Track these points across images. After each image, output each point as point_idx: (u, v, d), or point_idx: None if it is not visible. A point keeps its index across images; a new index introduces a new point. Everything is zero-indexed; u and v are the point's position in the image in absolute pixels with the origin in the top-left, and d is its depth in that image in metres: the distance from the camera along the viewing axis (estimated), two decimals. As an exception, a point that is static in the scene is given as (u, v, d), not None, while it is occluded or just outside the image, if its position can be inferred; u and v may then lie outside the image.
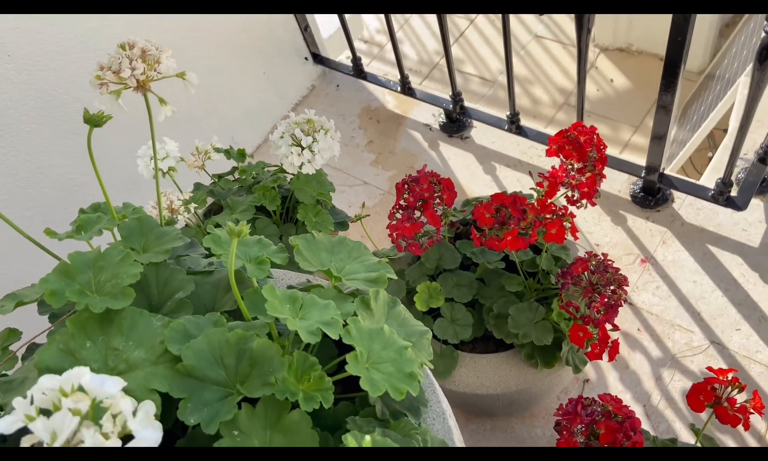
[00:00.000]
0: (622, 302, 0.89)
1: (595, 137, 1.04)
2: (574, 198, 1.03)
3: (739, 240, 1.44)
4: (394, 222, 1.04)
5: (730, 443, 1.21)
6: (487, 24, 3.14)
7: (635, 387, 1.32)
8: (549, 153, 1.05)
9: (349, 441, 0.36)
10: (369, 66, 1.90)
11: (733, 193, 1.42)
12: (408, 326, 0.56)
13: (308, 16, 1.91)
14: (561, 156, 1.04)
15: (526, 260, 1.04)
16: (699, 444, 0.84)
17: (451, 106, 1.74)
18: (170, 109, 0.56)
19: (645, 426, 1.26)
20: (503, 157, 1.73)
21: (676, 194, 1.55)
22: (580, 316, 0.88)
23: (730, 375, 0.78)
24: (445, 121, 1.81)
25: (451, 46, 1.59)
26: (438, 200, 1.04)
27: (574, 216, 0.96)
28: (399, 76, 1.78)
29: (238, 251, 0.54)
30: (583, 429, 0.72)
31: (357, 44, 3.01)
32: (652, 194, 1.54)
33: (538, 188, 1.02)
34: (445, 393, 1.09)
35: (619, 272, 0.89)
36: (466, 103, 1.74)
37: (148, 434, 0.39)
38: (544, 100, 2.86)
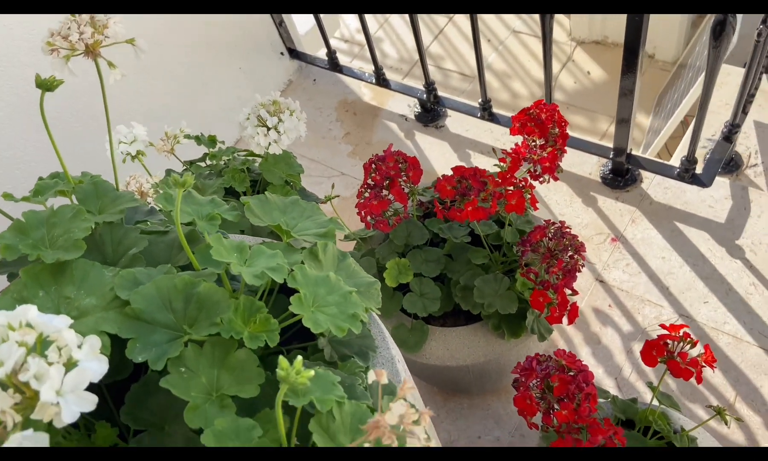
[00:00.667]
0: (580, 267, 0.92)
1: (556, 114, 1.07)
2: (537, 173, 1.06)
3: (706, 217, 1.48)
4: (362, 201, 1.06)
5: (699, 412, 1.24)
6: (466, 21, 3.17)
7: (607, 361, 1.35)
8: (512, 131, 1.07)
9: (282, 362, 0.38)
10: (350, 64, 1.93)
11: (699, 170, 1.46)
12: (357, 278, 0.58)
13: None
14: (524, 134, 1.07)
15: (491, 234, 1.07)
16: (656, 401, 0.86)
17: (425, 95, 1.76)
18: (119, 73, 0.58)
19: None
20: (477, 144, 1.76)
21: (644, 174, 1.58)
22: (539, 281, 0.91)
23: (681, 331, 0.80)
24: (420, 111, 1.84)
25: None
26: (404, 178, 1.06)
27: (534, 187, 0.98)
28: (374, 69, 1.81)
29: (191, 210, 0.56)
30: (538, 383, 0.74)
31: (337, 44, 3.03)
32: (621, 174, 1.57)
33: (501, 163, 1.05)
34: (418, 366, 1.11)
35: (577, 238, 0.92)
36: (440, 93, 1.77)
37: (93, 365, 0.41)
38: (522, 94, 2.90)
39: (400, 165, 1.05)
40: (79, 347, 0.41)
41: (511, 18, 3.28)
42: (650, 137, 2.63)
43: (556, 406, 0.72)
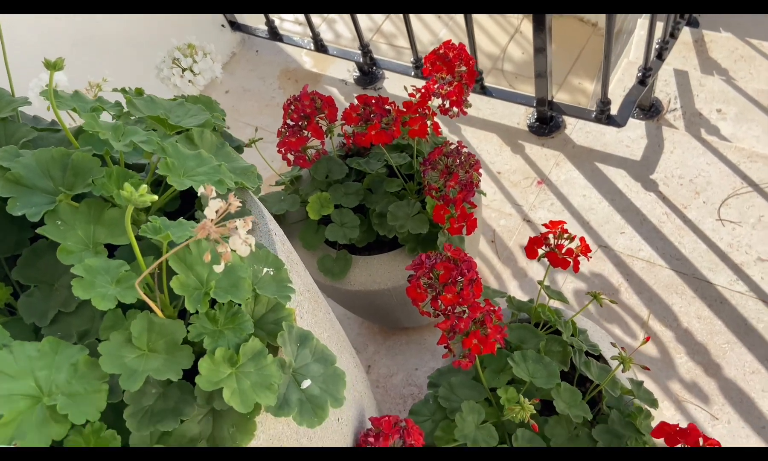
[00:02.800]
0: (477, 183, 1.00)
1: (463, 53, 1.14)
2: (446, 107, 1.13)
3: (623, 156, 1.57)
4: (282, 139, 1.13)
5: (616, 331, 1.33)
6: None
7: (533, 292, 1.43)
8: (425, 72, 1.14)
9: (126, 186, 0.44)
10: (300, 40, 1.97)
11: (614, 112, 1.55)
12: (235, 163, 0.65)
13: (224, -15, 1.98)
14: (434, 72, 1.14)
15: (404, 165, 1.13)
16: (547, 297, 0.94)
17: (361, 58, 1.83)
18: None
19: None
20: (413, 103, 1.83)
21: (568, 121, 1.67)
22: (439, 196, 0.98)
23: (560, 227, 0.88)
24: (358, 74, 1.91)
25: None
26: (321, 116, 1.12)
27: (435, 114, 1.05)
28: (311, 35, 1.87)
29: (78, 106, 0.62)
30: (427, 272, 0.81)
31: (291, 26, 3.07)
32: (546, 122, 1.66)
33: (410, 97, 1.12)
34: (343, 294, 1.18)
35: (472, 157, 0.99)
36: (375, 56, 1.84)
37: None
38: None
39: (316, 104, 1.12)
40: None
41: (460, -5, 3.35)
42: (592, 102, 2.73)
43: (442, 292, 0.79)
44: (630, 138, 1.59)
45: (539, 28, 1.43)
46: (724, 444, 1.14)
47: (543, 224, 0.90)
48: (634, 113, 1.68)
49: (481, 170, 1.01)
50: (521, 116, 1.72)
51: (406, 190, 1.14)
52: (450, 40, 1.18)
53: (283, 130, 1.14)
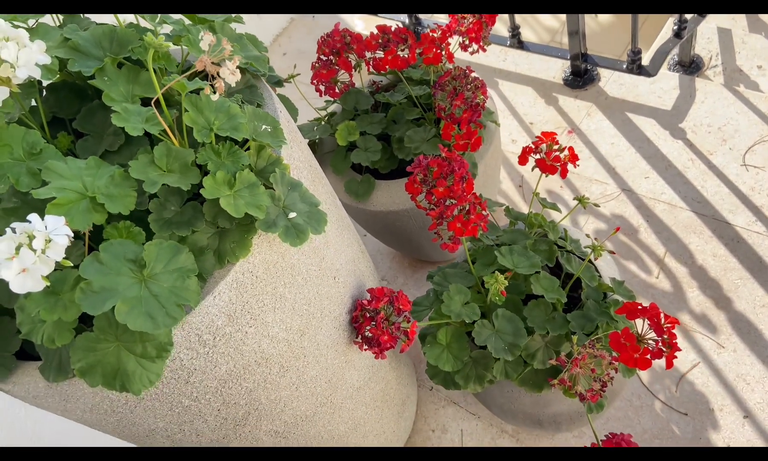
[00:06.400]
0: (483, 105, 1.09)
1: (486, -6, 1.23)
2: (466, 44, 1.23)
3: (654, 106, 1.60)
4: (315, 72, 1.26)
5: (632, 266, 1.37)
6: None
7: (554, 232, 1.49)
8: (450, 16, 1.24)
9: (148, 35, 0.59)
10: None
11: (646, 63, 1.58)
12: (248, 51, 0.78)
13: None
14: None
15: (422, 95, 1.24)
16: (541, 206, 1.02)
17: (407, 20, 1.94)
18: None
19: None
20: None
21: (602, 74, 1.71)
22: (447, 115, 1.08)
23: (552, 138, 0.96)
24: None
25: None
26: (350, 51, 1.25)
27: (445, 41, 1.15)
28: (363, -1, 2.00)
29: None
30: (423, 169, 0.92)
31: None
32: (580, 75, 1.71)
33: (431, 33, 1.22)
34: (367, 215, 1.31)
35: (479, 80, 1.09)
36: (421, 16, 1.94)
37: (40, 57, 0.62)
38: (531, 38, 3.01)
39: (345, 39, 1.24)
40: (32, 41, 0.63)
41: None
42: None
43: (434, 185, 0.90)
44: (662, 89, 1.62)
45: None
46: (728, 371, 1.18)
47: (536, 136, 0.99)
48: (674, 68, 1.70)
49: (488, 92, 1.10)
50: (557, 71, 1.77)
51: (424, 118, 1.24)
52: (474, -16, 1.27)
53: (316, 64, 1.28)
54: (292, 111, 1.09)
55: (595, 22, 3.09)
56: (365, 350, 0.88)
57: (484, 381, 0.91)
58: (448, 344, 0.93)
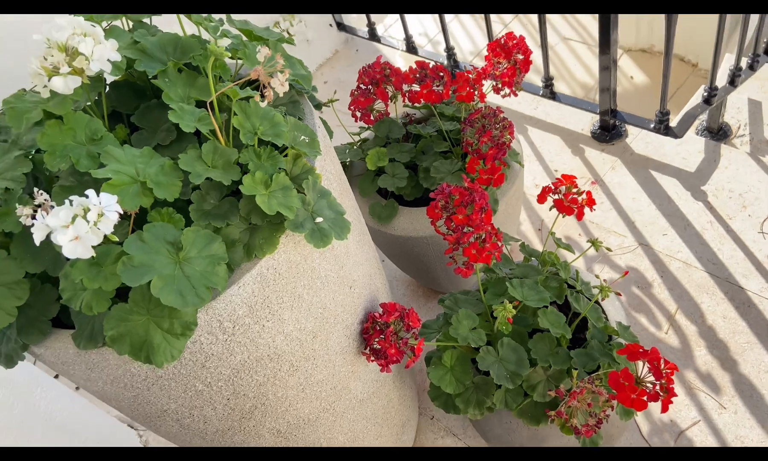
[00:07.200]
0: (509, 144, 1.14)
1: (521, 45, 1.30)
2: (499, 87, 1.29)
3: (678, 166, 1.63)
4: (353, 99, 1.34)
5: (642, 320, 1.40)
6: (519, 26, 3.40)
7: (569, 277, 1.52)
8: (486, 59, 1.31)
9: (210, 43, 0.66)
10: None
11: (674, 124, 1.62)
12: (295, 69, 0.85)
13: (336, -11, 2.26)
14: (493, 58, 1.31)
15: (452, 130, 1.30)
16: (556, 245, 1.06)
17: (445, 61, 2.02)
18: None
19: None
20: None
21: (630, 130, 1.76)
22: (474, 150, 1.14)
23: (571, 181, 1.01)
24: (441, 75, 2.10)
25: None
26: (389, 83, 1.32)
27: (481, 82, 1.21)
28: (404, 37, 2.10)
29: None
30: (446, 196, 0.97)
31: (394, 32, 3.33)
32: (608, 129, 1.76)
33: (467, 74, 1.29)
34: (388, 239, 1.36)
35: (507, 120, 1.14)
36: (458, 58, 2.02)
37: (111, 54, 0.70)
38: (565, 92, 3.08)
39: (385, 71, 1.32)
40: (106, 39, 0.70)
41: (562, 25, 3.47)
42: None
43: (455, 212, 0.95)
44: (688, 151, 1.65)
45: (604, 51, 1.57)
46: (728, 432, 1.19)
47: (556, 179, 1.03)
48: (702, 133, 1.74)
49: (516, 136, 1.15)
50: (586, 124, 1.83)
51: (452, 152, 1.30)
52: (512, 32, 1.35)
53: (355, 92, 1.35)
54: (328, 132, 1.16)
55: (630, 83, 3.15)
56: (372, 361, 0.92)
57: (483, 406, 0.94)
58: (452, 367, 0.97)
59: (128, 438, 1.55)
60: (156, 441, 1.55)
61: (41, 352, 0.77)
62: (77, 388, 1.65)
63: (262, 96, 0.65)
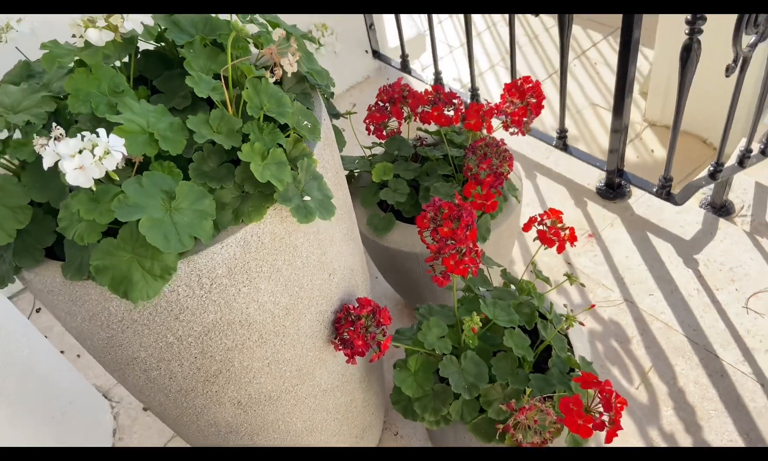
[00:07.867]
0: (506, 175, 1.19)
1: (536, 89, 1.36)
2: (508, 124, 1.35)
3: (675, 233, 1.67)
4: (369, 113, 1.40)
5: (615, 372, 1.42)
6: (550, 84, 3.49)
7: (552, 321, 1.55)
8: (501, 97, 1.38)
9: (234, 22, 0.72)
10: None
11: (676, 191, 1.66)
12: (312, 64, 0.92)
13: (375, 17, 2.37)
14: (507, 96, 1.37)
15: (458, 156, 1.36)
16: (535, 275, 1.10)
17: (469, 99, 2.10)
18: None
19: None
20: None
21: (634, 192, 1.80)
22: (472, 175, 1.19)
23: (557, 216, 1.05)
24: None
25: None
26: (405, 103, 1.39)
27: (491, 116, 1.27)
28: (434, 72, 2.18)
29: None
30: (436, 209, 1.02)
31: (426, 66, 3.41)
32: (613, 187, 1.80)
33: (480, 105, 1.35)
34: (380, 250, 1.41)
35: (508, 151, 1.20)
36: (482, 100, 2.10)
37: (146, 19, 0.77)
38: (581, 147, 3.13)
39: (403, 92, 1.39)
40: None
41: (593, 92, 3.55)
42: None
43: (441, 224, 1.00)
44: (686, 220, 1.69)
45: (618, 114, 1.63)
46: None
47: (544, 211, 1.08)
48: (705, 207, 1.78)
49: (515, 164, 1.20)
50: (593, 179, 1.88)
51: (454, 177, 1.36)
52: (530, 76, 1.41)
53: (373, 107, 1.42)
54: (340, 140, 1.22)
55: (650, 157, 3.20)
56: (339, 350, 0.96)
57: (439, 414, 0.97)
58: (415, 372, 1.00)
59: (101, 405, 1.58)
60: (126, 413, 1.58)
61: (31, 278, 0.82)
62: (62, 352, 1.70)
63: (272, 74, 0.71)
